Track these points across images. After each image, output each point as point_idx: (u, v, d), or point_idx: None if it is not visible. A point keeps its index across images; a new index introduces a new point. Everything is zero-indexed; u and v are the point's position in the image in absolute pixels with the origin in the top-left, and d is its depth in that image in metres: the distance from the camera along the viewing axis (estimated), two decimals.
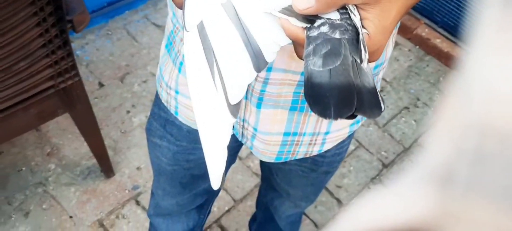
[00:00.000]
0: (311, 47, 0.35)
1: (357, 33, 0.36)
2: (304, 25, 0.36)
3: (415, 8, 1.89)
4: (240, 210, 1.37)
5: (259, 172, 1.44)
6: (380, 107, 0.36)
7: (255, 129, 0.60)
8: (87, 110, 1.16)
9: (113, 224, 1.29)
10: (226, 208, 1.36)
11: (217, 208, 1.35)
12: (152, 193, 0.91)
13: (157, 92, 0.68)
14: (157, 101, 0.69)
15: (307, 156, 0.66)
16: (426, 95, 1.76)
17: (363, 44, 0.36)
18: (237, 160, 1.47)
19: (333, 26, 0.36)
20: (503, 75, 0.12)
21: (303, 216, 1.30)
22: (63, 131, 1.45)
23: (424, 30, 1.90)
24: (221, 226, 1.33)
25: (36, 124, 1.16)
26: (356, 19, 0.36)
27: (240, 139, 0.64)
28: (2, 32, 0.86)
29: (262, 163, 0.93)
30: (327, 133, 0.63)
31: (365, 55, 0.36)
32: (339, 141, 0.67)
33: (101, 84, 1.61)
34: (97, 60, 1.68)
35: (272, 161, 0.66)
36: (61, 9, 0.90)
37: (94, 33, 1.76)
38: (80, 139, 1.35)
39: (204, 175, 0.79)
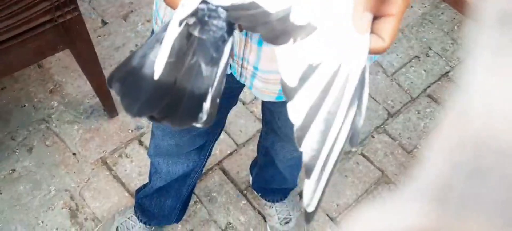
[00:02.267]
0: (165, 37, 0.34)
1: (224, 39, 0.34)
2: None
3: None
4: (242, 154, 1.37)
5: None
6: (196, 119, 0.34)
7: (256, 68, 0.57)
8: (88, 48, 1.13)
9: (116, 162, 1.31)
10: (228, 152, 1.37)
11: (219, 151, 1.36)
12: (152, 133, 0.91)
13: (152, 29, 0.65)
14: None
15: None
16: (438, 44, 1.70)
17: (230, 49, 0.34)
18: (241, 105, 1.45)
19: (201, 22, 0.34)
20: (500, 94, 0.13)
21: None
22: (65, 69, 1.44)
23: None
24: (222, 169, 1.34)
25: (35, 60, 1.14)
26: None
27: (238, 78, 0.61)
28: None
29: (264, 107, 0.92)
30: None
31: (224, 59, 0.34)
32: None
33: (104, 22, 1.57)
34: None
35: (273, 100, 0.63)
36: None
37: None
38: (83, 77, 1.34)
39: None
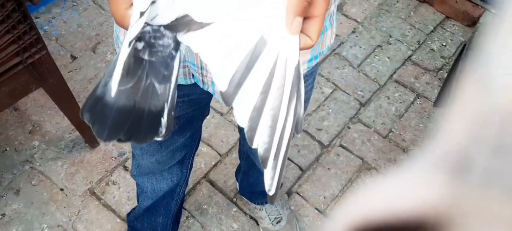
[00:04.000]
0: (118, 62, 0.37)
1: (172, 56, 0.38)
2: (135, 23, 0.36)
3: None
4: (227, 163, 1.41)
5: None
6: (156, 133, 0.38)
7: None
8: (60, 83, 1.16)
9: (104, 191, 1.33)
10: (213, 163, 1.40)
11: (204, 164, 1.39)
12: (133, 154, 0.94)
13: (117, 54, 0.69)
14: None
15: None
16: (398, 31, 1.79)
17: (176, 65, 0.38)
18: (219, 116, 1.49)
19: (149, 45, 0.37)
20: None
21: (288, 161, 1.35)
22: (41, 108, 1.46)
23: None
24: (210, 181, 1.38)
25: (11, 102, 1.16)
26: (189, 37, 0.37)
27: (202, 86, 0.66)
28: None
29: None
30: None
31: (174, 74, 0.38)
32: None
33: (73, 57, 1.59)
34: (66, 33, 1.65)
35: None
36: None
37: (59, 6, 1.72)
38: (60, 113, 1.36)
39: (179, 130, 0.81)
